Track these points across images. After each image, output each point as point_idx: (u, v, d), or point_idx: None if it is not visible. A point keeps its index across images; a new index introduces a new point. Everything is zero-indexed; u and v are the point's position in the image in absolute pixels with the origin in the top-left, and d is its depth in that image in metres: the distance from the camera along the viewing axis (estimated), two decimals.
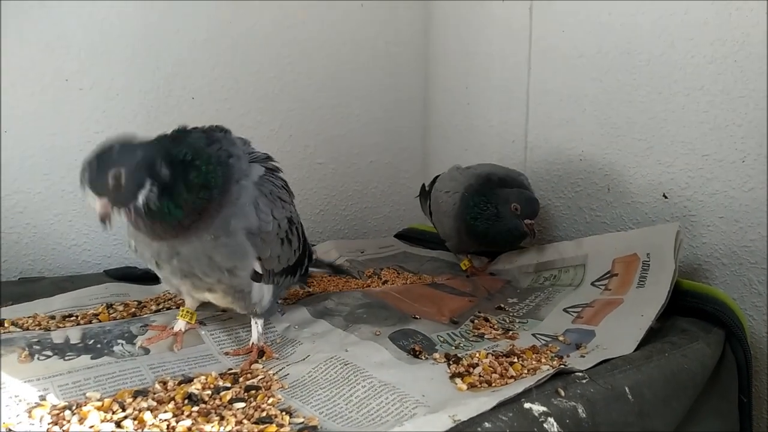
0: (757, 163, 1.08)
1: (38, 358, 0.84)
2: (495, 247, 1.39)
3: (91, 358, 0.86)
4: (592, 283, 1.17)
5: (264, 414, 0.70)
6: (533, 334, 1.01)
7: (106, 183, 0.73)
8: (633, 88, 1.28)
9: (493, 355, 0.90)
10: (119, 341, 0.92)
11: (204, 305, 0.99)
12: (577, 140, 1.42)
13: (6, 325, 0.96)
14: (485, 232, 1.31)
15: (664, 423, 0.83)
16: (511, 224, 1.28)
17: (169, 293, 1.15)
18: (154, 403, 0.73)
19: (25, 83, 1.30)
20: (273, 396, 0.76)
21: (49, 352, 0.85)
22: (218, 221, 0.80)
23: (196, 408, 0.72)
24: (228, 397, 0.75)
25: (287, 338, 0.98)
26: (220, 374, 0.83)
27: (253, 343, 0.92)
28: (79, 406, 0.72)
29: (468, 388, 0.79)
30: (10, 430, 0.66)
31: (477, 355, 0.89)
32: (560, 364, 0.86)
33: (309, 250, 1.11)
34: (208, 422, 0.68)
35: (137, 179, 0.74)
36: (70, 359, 0.85)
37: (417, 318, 1.06)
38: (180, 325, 0.95)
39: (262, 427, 0.67)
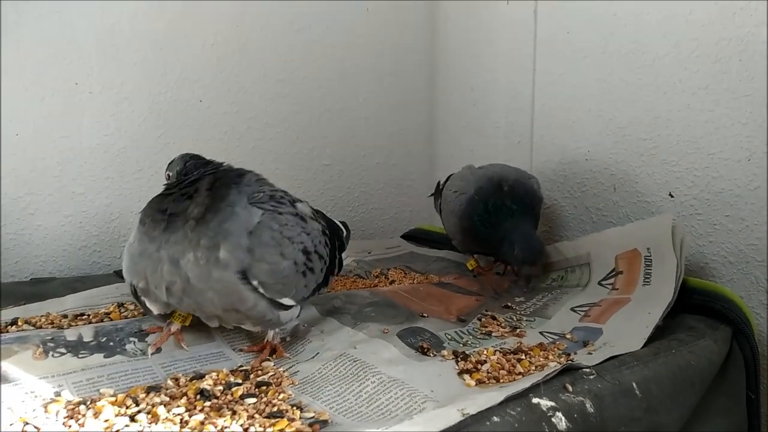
0: (763, 161, 1.08)
1: (52, 356, 0.85)
2: (496, 255, 1.38)
3: (104, 356, 0.87)
4: (599, 283, 1.17)
5: (275, 409, 0.71)
6: (541, 332, 1.02)
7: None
8: (638, 87, 1.29)
9: (500, 352, 0.91)
10: (131, 339, 0.93)
11: None
12: (582, 140, 1.43)
13: (20, 323, 0.97)
14: (487, 238, 1.28)
15: (671, 419, 0.83)
16: (511, 261, 1.28)
17: None
18: (167, 399, 0.74)
19: (36, 87, 1.32)
20: (284, 392, 0.77)
21: (63, 350, 0.87)
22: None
23: (208, 403, 0.73)
24: (239, 393, 0.76)
25: (296, 336, 0.99)
26: (231, 371, 0.84)
27: (267, 341, 0.93)
28: (93, 401, 0.73)
29: (476, 384, 0.80)
30: (26, 422, 0.67)
31: (485, 352, 0.90)
32: (568, 361, 0.86)
33: (339, 258, 1.10)
34: (220, 416, 0.69)
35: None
36: (83, 357, 0.86)
37: (425, 316, 1.07)
38: (174, 326, 0.94)
39: (273, 421, 0.68)
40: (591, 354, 0.90)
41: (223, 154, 1.54)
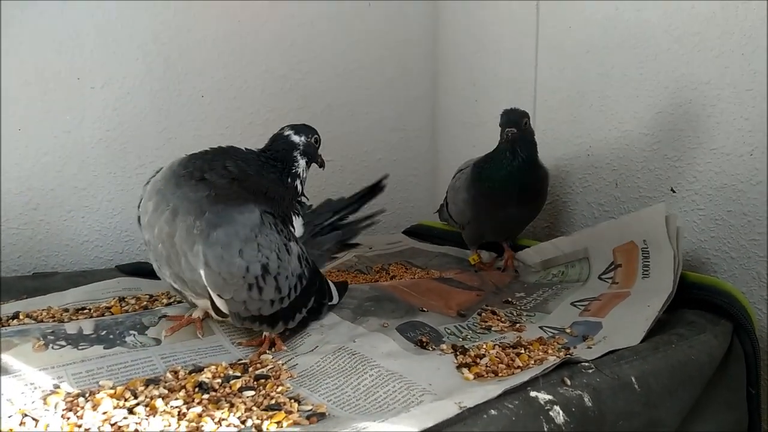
0: (765, 156, 1.08)
1: (52, 348, 0.85)
2: (509, 199, 1.30)
3: (104, 348, 0.87)
4: (600, 277, 1.17)
5: (273, 401, 0.71)
6: (540, 327, 1.02)
7: None
8: (640, 83, 1.28)
9: (500, 346, 0.91)
10: (131, 332, 0.93)
11: None
12: (584, 136, 1.42)
13: (21, 317, 0.98)
14: (495, 178, 1.27)
15: (670, 413, 0.83)
16: (501, 137, 1.25)
17: None
18: (166, 391, 0.74)
19: (38, 82, 1.32)
20: (282, 385, 0.77)
21: (63, 342, 0.87)
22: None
23: (206, 396, 0.73)
24: (238, 386, 0.76)
25: (296, 330, 0.99)
26: (230, 364, 0.84)
27: (265, 335, 0.93)
28: (92, 393, 0.73)
29: (474, 378, 0.80)
30: (25, 414, 0.67)
31: (484, 346, 0.90)
32: (567, 355, 0.86)
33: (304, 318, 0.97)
34: (218, 409, 0.69)
35: None
36: (83, 349, 0.86)
37: (424, 311, 1.07)
38: (197, 312, 0.96)
39: (271, 413, 0.68)
40: (590, 348, 0.90)
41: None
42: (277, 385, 0.76)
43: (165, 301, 1.09)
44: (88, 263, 1.42)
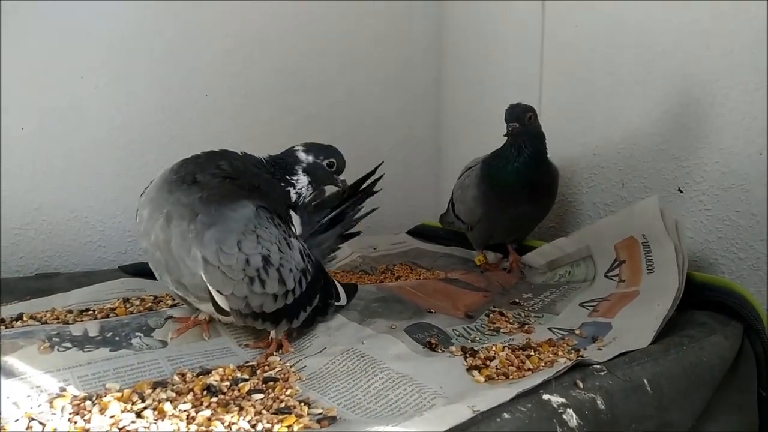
0: None
1: (58, 350, 0.84)
2: (519, 196, 1.29)
3: (110, 350, 0.86)
4: (606, 275, 1.17)
5: (283, 405, 0.71)
6: (549, 328, 1.01)
7: None
8: (647, 81, 1.27)
9: (509, 348, 0.90)
10: (137, 334, 0.92)
11: None
12: (590, 135, 1.42)
13: (25, 318, 0.97)
14: (502, 175, 1.27)
15: (682, 416, 0.82)
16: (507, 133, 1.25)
17: None
18: (173, 394, 0.73)
19: (41, 81, 1.31)
20: (291, 387, 0.76)
21: (68, 344, 0.86)
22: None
23: (215, 399, 0.72)
24: (246, 389, 0.75)
25: (303, 331, 0.98)
26: (238, 366, 0.83)
27: (271, 337, 0.92)
28: (99, 396, 0.72)
29: (485, 380, 0.79)
30: (32, 418, 0.67)
31: (493, 348, 0.89)
32: (578, 357, 0.85)
33: (322, 304, 0.97)
34: (227, 412, 0.68)
35: None
36: (89, 351, 0.85)
37: (432, 312, 1.06)
38: (203, 314, 0.96)
39: (281, 417, 0.68)
40: (601, 350, 0.90)
41: (230, 148, 1.55)
42: (286, 388, 0.75)
43: (170, 302, 1.08)
44: (92, 264, 1.41)
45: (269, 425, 0.66)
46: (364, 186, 1.14)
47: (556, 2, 1.47)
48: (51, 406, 0.70)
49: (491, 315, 1.07)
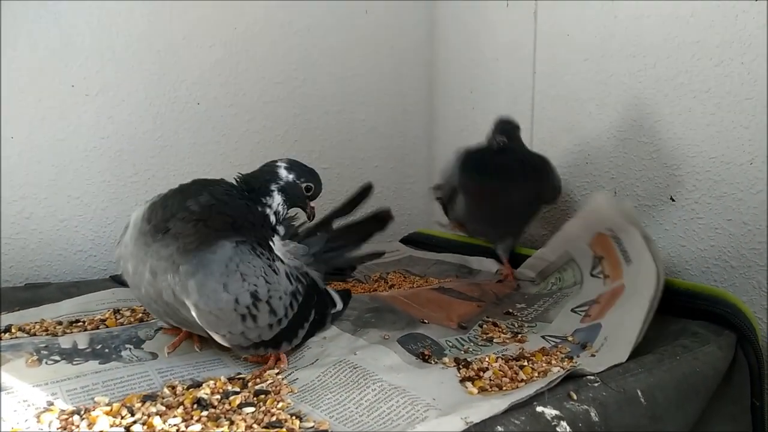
0: (765, 165, 1.07)
1: (46, 363, 0.83)
2: (495, 185, 1.29)
3: (99, 363, 0.85)
4: (591, 274, 1.17)
5: (274, 418, 0.70)
6: (542, 336, 1.01)
7: None
8: (639, 91, 1.28)
9: (502, 358, 0.89)
10: (127, 346, 0.91)
11: None
12: (582, 144, 1.42)
13: (13, 330, 0.96)
14: (481, 163, 1.29)
15: (677, 426, 0.82)
16: (489, 140, 1.27)
17: None
18: (163, 408, 0.72)
19: (32, 89, 1.30)
20: (282, 400, 0.75)
21: (57, 357, 0.85)
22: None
23: (205, 413, 0.71)
24: (237, 402, 0.74)
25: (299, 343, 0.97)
26: (229, 378, 0.82)
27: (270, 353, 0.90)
28: (87, 411, 0.71)
29: (478, 392, 0.78)
30: None
31: (486, 359, 0.89)
32: (570, 365, 0.85)
33: (319, 317, 0.95)
34: (217, 427, 0.67)
35: None
36: (78, 364, 0.84)
37: (425, 322, 1.05)
38: None
39: (272, 431, 0.67)
40: (594, 356, 0.89)
41: (221, 158, 1.55)
42: (278, 401, 0.74)
43: None
44: (82, 273, 1.40)
45: None
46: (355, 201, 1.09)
47: (547, 13, 1.48)
48: (38, 421, 0.69)
49: (485, 326, 1.07)
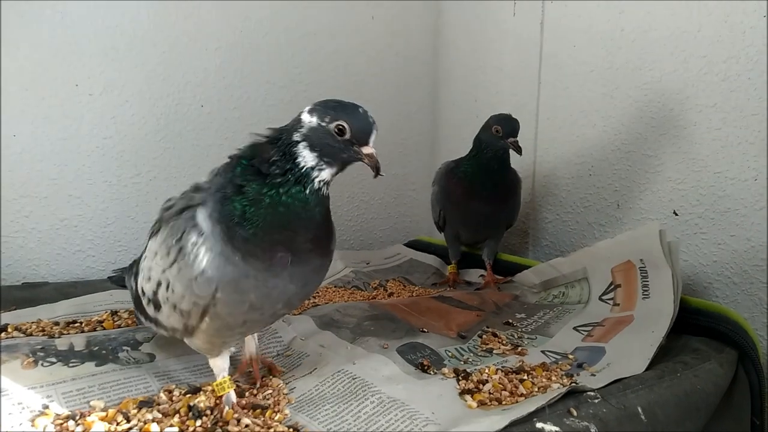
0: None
1: (42, 365, 0.83)
2: (484, 200, 1.33)
3: (96, 365, 0.84)
4: (600, 298, 1.16)
5: (272, 431, 0.69)
6: (543, 351, 1.00)
7: None
8: (644, 104, 1.27)
9: (502, 371, 0.88)
10: (124, 348, 0.90)
11: None
12: (586, 155, 1.41)
13: (9, 330, 0.95)
14: (470, 173, 1.32)
15: None
16: (498, 146, 1.28)
17: None
18: (159, 415, 0.72)
19: (35, 88, 1.30)
20: (280, 411, 0.74)
21: (53, 359, 0.84)
22: None
23: (200, 422, 0.71)
24: (233, 414, 0.73)
25: (293, 349, 0.97)
26: None
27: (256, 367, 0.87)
28: (83, 416, 0.71)
29: (478, 406, 0.78)
30: None
31: (486, 370, 0.88)
32: (571, 383, 0.84)
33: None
34: None
35: None
36: (74, 366, 0.83)
37: (425, 331, 1.04)
38: (232, 396, 0.76)
39: None
40: (594, 375, 0.88)
41: (223, 160, 1.54)
42: (276, 412, 0.74)
43: None
44: (80, 273, 1.39)
45: None
46: None
47: (554, 23, 1.48)
48: (33, 425, 0.69)
49: (484, 336, 1.06)
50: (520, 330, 1.11)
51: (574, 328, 1.08)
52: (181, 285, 0.68)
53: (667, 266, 1.06)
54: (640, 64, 1.27)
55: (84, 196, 1.38)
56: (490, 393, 0.81)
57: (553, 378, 0.87)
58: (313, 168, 0.69)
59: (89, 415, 0.70)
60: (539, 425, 0.70)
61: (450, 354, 0.97)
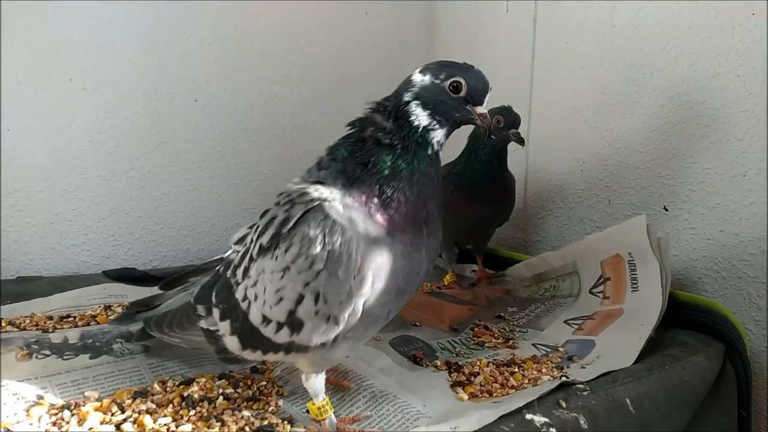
0: (758, 177, 1.08)
1: (36, 357, 0.83)
2: (480, 194, 1.29)
3: (90, 358, 0.85)
4: (590, 291, 1.17)
5: (266, 422, 0.70)
6: (533, 344, 1.01)
7: None
8: (635, 100, 1.28)
9: (493, 363, 0.90)
10: (118, 340, 0.91)
11: None
12: (578, 151, 1.43)
13: (3, 324, 0.95)
14: (467, 176, 1.28)
15: None
16: (499, 138, 1.25)
17: None
18: (153, 406, 0.72)
19: (29, 83, 1.29)
20: (273, 403, 0.75)
21: (47, 351, 0.85)
22: None
23: (194, 411, 0.71)
24: (227, 404, 0.74)
25: None
26: (219, 375, 0.82)
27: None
28: (77, 406, 0.71)
29: (469, 398, 0.79)
30: (8, 430, 0.65)
31: (478, 363, 0.89)
32: (561, 375, 0.85)
33: None
34: (208, 427, 0.68)
35: None
36: (68, 358, 0.84)
37: (417, 325, 1.06)
38: (333, 419, 0.73)
39: None
40: (584, 368, 0.90)
41: (217, 156, 1.55)
42: (269, 404, 0.75)
43: None
44: (75, 267, 1.39)
45: None
46: None
47: (547, 20, 1.48)
48: (28, 415, 0.69)
49: (476, 329, 1.07)
50: (511, 323, 1.12)
51: (565, 322, 1.09)
52: (337, 289, 0.62)
53: (655, 259, 1.07)
54: (631, 61, 1.29)
55: (78, 191, 1.38)
56: (481, 385, 0.82)
57: (544, 370, 0.88)
58: (426, 128, 0.67)
59: (84, 406, 0.71)
60: (529, 416, 0.71)
61: (442, 347, 0.98)
